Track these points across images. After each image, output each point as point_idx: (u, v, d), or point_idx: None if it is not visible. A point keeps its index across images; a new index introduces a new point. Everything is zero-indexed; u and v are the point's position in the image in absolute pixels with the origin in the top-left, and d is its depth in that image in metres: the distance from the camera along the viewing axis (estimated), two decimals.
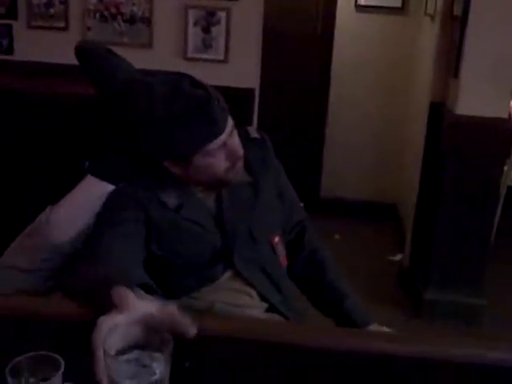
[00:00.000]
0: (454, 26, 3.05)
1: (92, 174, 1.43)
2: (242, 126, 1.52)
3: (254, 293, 1.49)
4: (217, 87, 1.41)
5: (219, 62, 3.07)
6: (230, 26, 3.03)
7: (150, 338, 0.90)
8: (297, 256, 1.66)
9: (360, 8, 4.19)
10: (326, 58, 4.25)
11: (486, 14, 2.80)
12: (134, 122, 1.39)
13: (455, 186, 2.99)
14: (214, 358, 1.11)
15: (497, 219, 3.41)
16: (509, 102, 2.96)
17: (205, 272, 1.44)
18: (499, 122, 2.88)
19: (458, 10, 3.00)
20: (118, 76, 1.46)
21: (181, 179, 1.44)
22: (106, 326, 0.91)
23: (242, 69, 3.09)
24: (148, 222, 1.39)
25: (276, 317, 1.50)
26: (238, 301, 1.47)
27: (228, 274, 1.46)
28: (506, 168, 3.34)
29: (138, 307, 0.96)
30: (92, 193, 1.42)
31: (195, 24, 3.04)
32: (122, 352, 0.88)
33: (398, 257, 3.77)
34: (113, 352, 0.86)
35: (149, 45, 3.09)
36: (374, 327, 1.55)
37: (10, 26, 3.16)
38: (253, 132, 1.60)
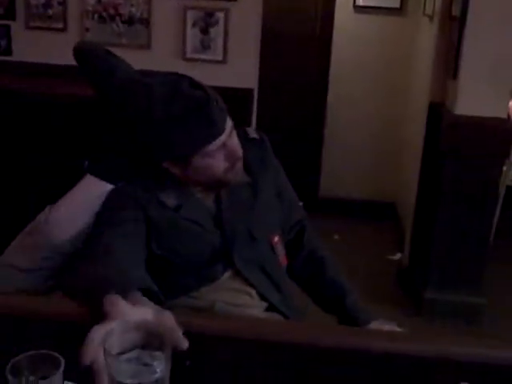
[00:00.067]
0: (453, 27, 3.05)
1: (91, 174, 1.43)
2: (240, 126, 1.52)
3: (253, 292, 1.49)
4: (215, 88, 1.41)
5: (218, 62, 3.07)
6: (228, 27, 3.03)
7: (150, 338, 0.89)
8: (296, 255, 1.66)
9: (358, 9, 4.20)
10: (325, 59, 4.25)
11: (484, 14, 2.80)
12: (132, 122, 1.39)
13: (454, 185, 2.99)
14: (215, 357, 1.11)
15: (496, 219, 3.42)
16: (507, 103, 2.96)
17: (204, 272, 1.45)
18: (498, 122, 2.89)
19: (456, 11, 3.00)
20: (117, 77, 1.45)
21: (180, 179, 1.44)
22: (98, 336, 0.89)
23: (240, 69, 3.09)
24: (147, 222, 1.40)
25: (276, 316, 1.50)
26: (238, 300, 1.47)
27: (228, 273, 1.46)
28: (504, 168, 3.34)
29: (130, 314, 0.94)
30: (91, 192, 1.42)
31: (194, 25, 3.05)
32: (122, 352, 0.88)
33: (398, 256, 3.77)
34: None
35: (147, 46, 3.09)
36: (378, 323, 1.54)
37: (8, 27, 3.16)
38: (252, 132, 1.60)
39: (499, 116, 2.89)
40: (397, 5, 4.14)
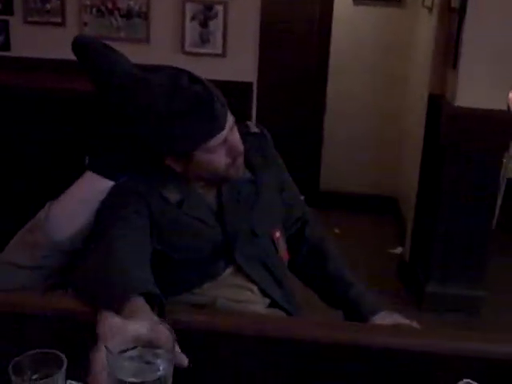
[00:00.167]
0: (452, 18, 3.04)
1: (92, 170, 1.42)
2: (240, 119, 1.51)
3: (255, 288, 1.48)
4: (215, 81, 1.40)
5: (217, 56, 3.06)
6: (227, 20, 3.02)
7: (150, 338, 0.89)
8: (299, 250, 1.65)
9: (357, 1, 4.18)
10: (324, 51, 4.24)
11: (484, 5, 2.79)
12: (133, 118, 1.38)
13: (455, 178, 2.98)
14: (216, 353, 1.11)
15: (497, 211, 3.41)
16: (507, 94, 2.95)
17: (206, 268, 1.44)
18: (498, 113, 2.88)
19: (455, 2, 2.99)
20: (116, 71, 1.44)
21: (181, 175, 1.44)
22: (100, 363, 0.91)
23: (239, 63, 3.08)
24: (150, 217, 1.39)
25: (278, 312, 1.50)
26: (240, 296, 1.46)
27: (229, 269, 1.46)
28: (504, 161, 3.33)
29: (125, 331, 0.93)
30: (91, 189, 1.41)
31: (192, 18, 3.03)
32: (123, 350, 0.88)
33: (399, 250, 3.77)
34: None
35: (146, 39, 3.08)
36: (384, 315, 1.49)
37: (6, 22, 3.15)
38: (253, 127, 1.59)
39: (499, 108, 2.88)
40: None
